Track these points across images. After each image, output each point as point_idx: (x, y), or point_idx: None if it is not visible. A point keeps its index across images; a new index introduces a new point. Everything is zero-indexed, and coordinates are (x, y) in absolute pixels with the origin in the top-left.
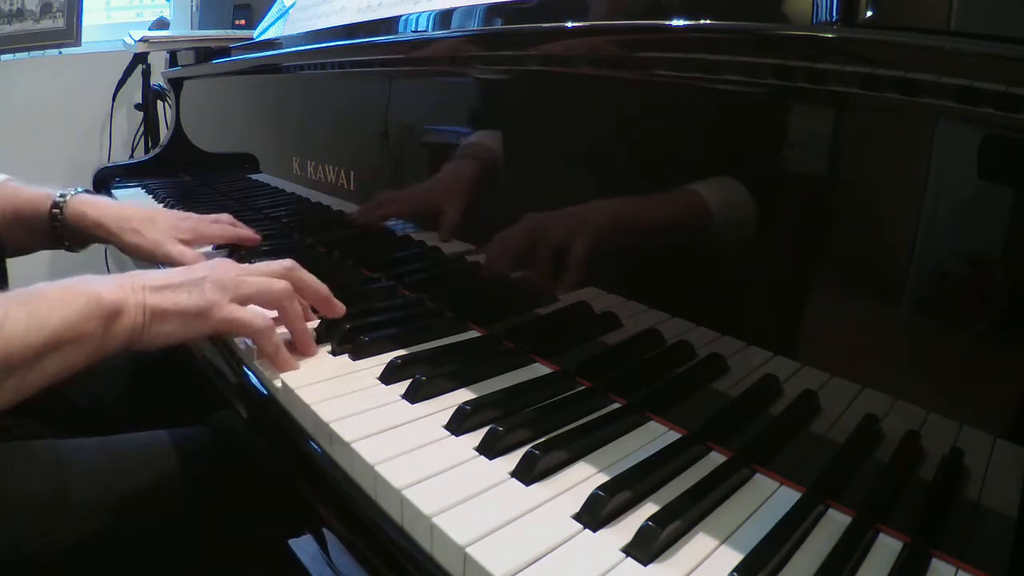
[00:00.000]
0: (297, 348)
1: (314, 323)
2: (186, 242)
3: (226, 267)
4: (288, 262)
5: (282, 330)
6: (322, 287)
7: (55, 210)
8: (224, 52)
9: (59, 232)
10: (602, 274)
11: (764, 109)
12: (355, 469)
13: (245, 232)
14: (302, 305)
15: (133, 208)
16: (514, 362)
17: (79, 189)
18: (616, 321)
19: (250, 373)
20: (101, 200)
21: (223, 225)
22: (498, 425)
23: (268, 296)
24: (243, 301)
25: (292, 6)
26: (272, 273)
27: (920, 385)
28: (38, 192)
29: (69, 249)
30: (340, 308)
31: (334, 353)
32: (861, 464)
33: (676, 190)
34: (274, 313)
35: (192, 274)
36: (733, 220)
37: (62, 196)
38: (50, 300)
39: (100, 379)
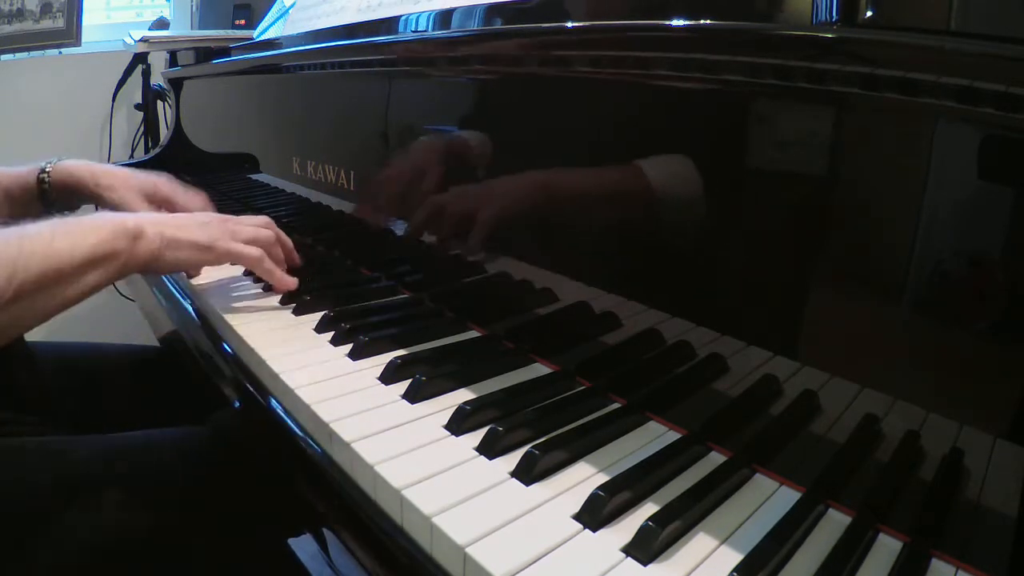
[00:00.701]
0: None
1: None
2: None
3: (223, 216)
4: (266, 218)
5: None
6: (288, 240)
7: (42, 175)
8: (224, 52)
9: (50, 198)
10: (602, 272)
11: (763, 109)
12: (355, 469)
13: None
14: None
15: (114, 168)
16: (514, 362)
17: (60, 157)
18: (616, 321)
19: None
20: (84, 161)
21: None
22: (498, 425)
23: (259, 241)
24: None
25: (292, 6)
26: (258, 223)
27: (920, 385)
28: (20, 170)
29: (60, 214)
30: (296, 261)
31: (334, 343)
32: (861, 464)
33: (675, 187)
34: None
35: (199, 217)
36: (733, 219)
37: (48, 163)
38: (86, 226)
39: (100, 378)
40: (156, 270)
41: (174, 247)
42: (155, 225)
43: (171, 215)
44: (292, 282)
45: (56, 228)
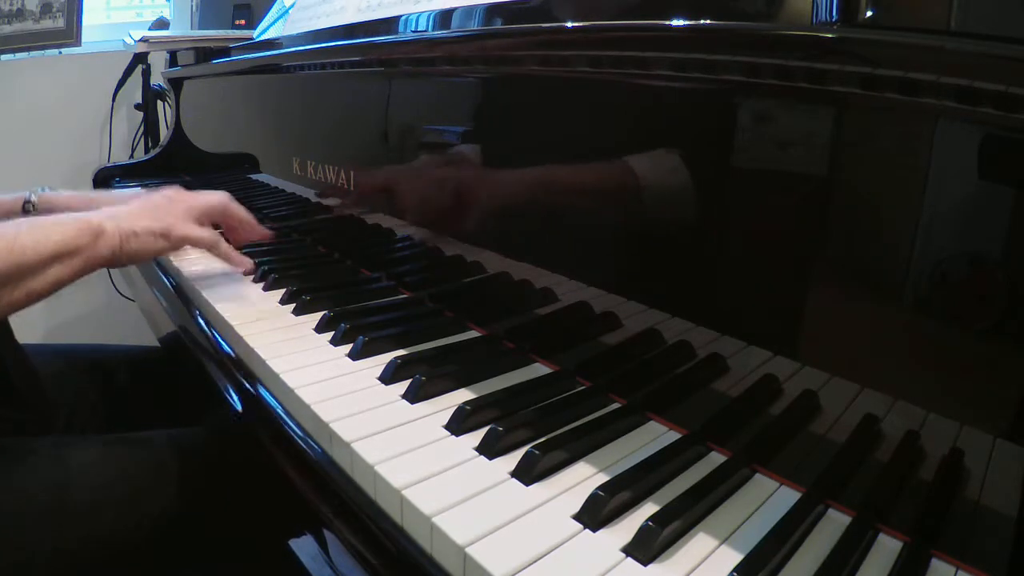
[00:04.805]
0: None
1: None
2: None
3: (180, 196)
4: (223, 192)
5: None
6: (246, 217)
7: (27, 205)
8: (224, 52)
9: None
10: (602, 272)
11: (763, 109)
12: (355, 469)
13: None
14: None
15: (98, 193)
16: (514, 362)
17: (44, 188)
18: (616, 321)
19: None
20: (66, 192)
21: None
22: (498, 425)
23: (215, 209)
24: (197, 220)
25: (292, 6)
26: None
27: (920, 385)
28: (6, 197)
29: None
30: (264, 232)
31: (334, 343)
32: (861, 464)
33: (675, 188)
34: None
35: (153, 204)
36: (733, 219)
37: (32, 195)
38: (51, 223)
39: (100, 379)
40: (120, 263)
41: (132, 239)
42: (113, 219)
43: (127, 205)
44: (247, 263)
45: (21, 226)
